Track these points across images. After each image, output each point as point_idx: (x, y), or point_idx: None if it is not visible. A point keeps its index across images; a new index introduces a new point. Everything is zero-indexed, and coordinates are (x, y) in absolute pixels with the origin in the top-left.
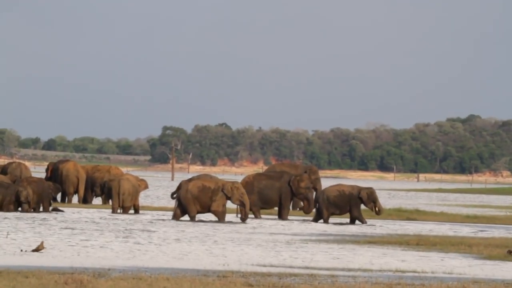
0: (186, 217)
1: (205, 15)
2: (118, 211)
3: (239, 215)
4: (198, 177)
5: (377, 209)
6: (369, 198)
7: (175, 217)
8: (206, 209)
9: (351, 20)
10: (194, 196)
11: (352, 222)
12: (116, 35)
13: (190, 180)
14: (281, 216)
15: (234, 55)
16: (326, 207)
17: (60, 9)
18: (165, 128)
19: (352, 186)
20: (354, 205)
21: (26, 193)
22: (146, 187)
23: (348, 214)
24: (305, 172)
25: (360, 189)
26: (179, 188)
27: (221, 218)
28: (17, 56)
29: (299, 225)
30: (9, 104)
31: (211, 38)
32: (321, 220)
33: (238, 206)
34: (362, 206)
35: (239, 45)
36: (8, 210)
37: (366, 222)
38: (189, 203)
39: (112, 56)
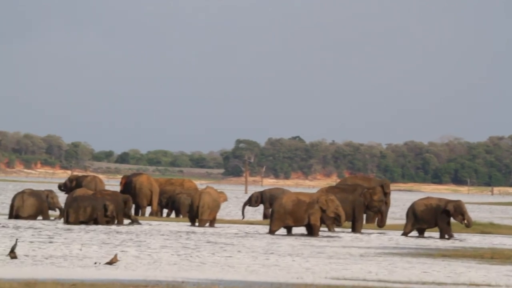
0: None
1: (280, 27)
2: (196, 224)
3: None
4: (270, 190)
5: (466, 221)
6: (457, 211)
7: (271, 231)
8: (300, 222)
9: (422, 35)
10: (288, 211)
11: (442, 236)
12: (185, 50)
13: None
14: (355, 229)
15: (306, 68)
16: (411, 220)
17: (127, 25)
18: (239, 141)
19: (440, 199)
20: (440, 218)
21: (113, 207)
22: (225, 200)
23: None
24: (380, 185)
25: (447, 202)
26: (250, 199)
27: (316, 233)
28: (89, 71)
29: (373, 238)
30: (83, 118)
31: (284, 51)
32: (412, 234)
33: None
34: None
35: (313, 58)
36: (101, 223)
37: (453, 236)
38: (278, 218)
39: (184, 71)
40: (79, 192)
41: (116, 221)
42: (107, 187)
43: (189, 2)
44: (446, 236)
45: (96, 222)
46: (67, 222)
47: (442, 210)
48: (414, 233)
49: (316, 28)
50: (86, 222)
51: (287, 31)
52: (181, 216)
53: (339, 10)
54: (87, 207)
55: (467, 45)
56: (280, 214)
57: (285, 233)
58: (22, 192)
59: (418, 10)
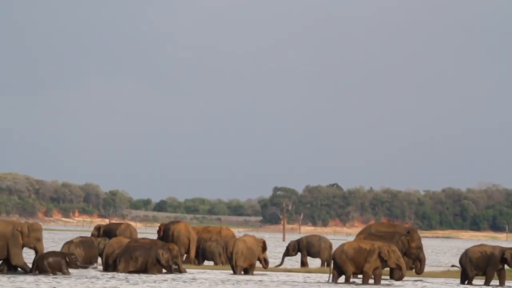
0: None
1: (318, 68)
2: (239, 271)
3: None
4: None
5: None
6: None
7: (334, 279)
8: (360, 270)
9: (461, 78)
10: (349, 257)
11: (487, 283)
12: (220, 103)
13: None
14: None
15: (343, 114)
16: (470, 268)
17: (164, 71)
18: (276, 189)
19: (494, 247)
20: (492, 265)
21: (168, 256)
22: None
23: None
24: (408, 232)
25: (503, 250)
26: (287, 249)
27: (365, 281)
28: (126, 119)
29: (409, 285)
30: (121, 166)
31: (320, 95)
32: (467, 281)
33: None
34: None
35: (348, 103)
36: (152, 272)
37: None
38: (345, 263)
39: (218, 121)
40: (115, 241)
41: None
42: (144, 235)
43: (211, 50)
44: (494, 283)
45: (149, 271)
46: (116, 270)
47: (496, 257)
48: (452, 280)
49: (352, 71)
50: (136, 272)
51: (319, 73)
52: (213, 264)
53: (381, 50)
54: (139, 256)
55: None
56: (344, 260)
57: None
58: (70, 242)
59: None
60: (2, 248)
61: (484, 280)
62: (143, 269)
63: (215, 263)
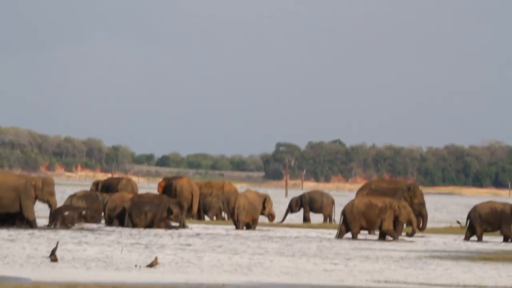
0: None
1: (327, 31)
2: (242, 226)
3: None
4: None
5: None
6: None
7: (340, 235)
8: (372, 226)
9: (468, 36)
10: (360, 213)
11: (505, 240)
12: (226, 54)
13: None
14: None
15: (346, 70)
16: (479, 224)
17: (169, 27)
18: (279, 145)
19: (504, 203)
20: (504, 222)
21: (178, 211)
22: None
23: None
24: (408, 188)
25: None
26: (290, 205)
27: (394, 237)
28: (129, 75)
29: (421, 241)
30: (124, 121)
31: (323, 53)
32: (474, 237)
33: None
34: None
35: (353, 61)
36: (159, 227)
37: None
38: (354, 219)
39: (224, 74)
40: (118, 196)
41: (180, 224)
42: (146, 190)
43: (226, 11)
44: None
45: (156, 225)
46: (128, 225)
47: (507, 214)
48: (457, 236)
49: (359, 29)
50: (149, 226)
51: (326, 36)
52: (208, 219)
53: (386, 11)
54: (148, 211)
55: None
56: (354, 216)
57: (330, 237)
58: (73, 195)
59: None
60: (14, 201)
61: (498, 237)
62: (152, 224)
63: (216, 218)
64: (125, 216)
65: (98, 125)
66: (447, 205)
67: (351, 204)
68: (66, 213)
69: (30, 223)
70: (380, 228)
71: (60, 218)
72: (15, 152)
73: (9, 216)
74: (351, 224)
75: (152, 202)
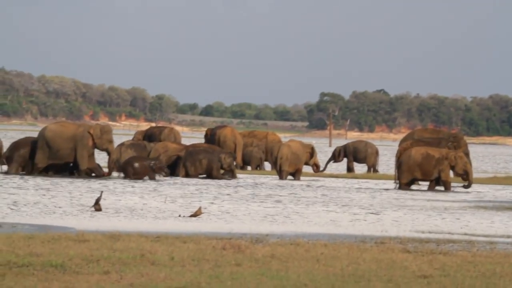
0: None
1: None
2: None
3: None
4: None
5: None
6: None
7: (402, 184)
8: (428, 177)
9: None
10: (416, 163)
11: None
12: (269, 2)
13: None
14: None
15: (390, 20)
16: None
17: None
18: (323, 95)
19: None
20: None
21: (230, 161)
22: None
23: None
24: (454, 137)
25: None
26: (333, 154)
27: (448, 188)
28: (174, 24)
29: (457, 191)
30: (168, 70)
31: (368, 3)
32: None
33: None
34: None
35: (397, 11)
36: (216, 176)
37: None
38: (410, 169)
39: (267, 24)
40: (161, 145)
41: (230, 175)
42: (190, 140)
43: None
44: None
45: (210, 176)
46: (184, 175)
47: None
48: (499, 187)
49: None
50: (201, 175)
51: None
52: (250, 169)
53: None
54: (203, 159)
55: None
56: (410, 166)
57: (376, 188)
58: (121, 144)
59: None
60: (71, 150)
61: None
62: (205, 173)
63: (255, 168)
64: (178, 165)
65: (142, 74)
66: (492, 155)
67: (408, 154)
68: (136, 164)
69: (79, 173)
70: (437, 178)
71: (131, 170)
72: (60, 101)
73: (68, 166)
74: (403, 174)
75: (206, 151)
